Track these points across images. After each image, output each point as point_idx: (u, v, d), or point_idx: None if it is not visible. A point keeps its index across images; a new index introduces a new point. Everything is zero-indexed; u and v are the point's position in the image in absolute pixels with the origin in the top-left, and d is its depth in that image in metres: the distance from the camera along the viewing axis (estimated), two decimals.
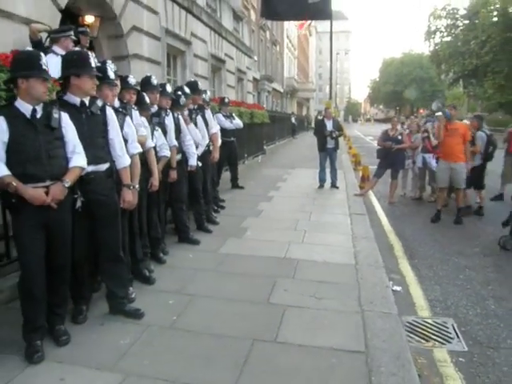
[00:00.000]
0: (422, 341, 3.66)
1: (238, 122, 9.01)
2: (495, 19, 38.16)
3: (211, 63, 13.64)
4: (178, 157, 5.41)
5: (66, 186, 2.94)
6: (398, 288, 4.70)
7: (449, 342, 3.64)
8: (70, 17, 6.69)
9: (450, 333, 3.79)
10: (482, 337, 3.74)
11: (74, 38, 4.92)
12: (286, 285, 4.33)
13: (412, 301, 4.47)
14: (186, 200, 5.74)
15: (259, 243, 5.72)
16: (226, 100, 8.94)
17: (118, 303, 3.60)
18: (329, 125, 9.98)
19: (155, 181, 4.55)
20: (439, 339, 3.68)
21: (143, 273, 4.36)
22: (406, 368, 2.94)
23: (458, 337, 3.72)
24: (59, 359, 2.99)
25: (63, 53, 4.79)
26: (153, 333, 3.37)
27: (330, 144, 9.96)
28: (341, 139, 12.02)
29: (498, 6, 37.64)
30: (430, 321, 4.01)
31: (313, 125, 46.31)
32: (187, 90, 6.04)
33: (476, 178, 8.09)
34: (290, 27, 46.45)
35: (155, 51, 9.23)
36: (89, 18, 6.84)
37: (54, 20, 5.89)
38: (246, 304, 3.90)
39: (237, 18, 17.85)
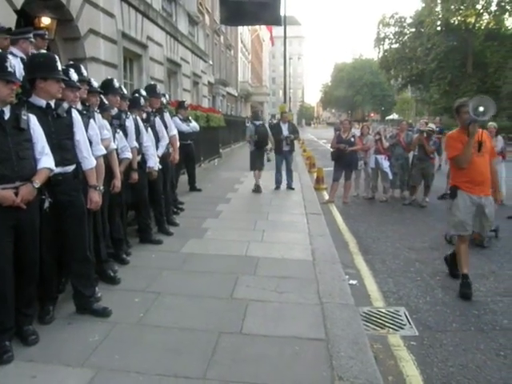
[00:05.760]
0: (377, 328, 3.92)
1: (194, 125, 9.10)
2: (439, 28, 40.14)
3: (167, 67, 13.65)
4: (138, 158, 5.47)
5: (36, 186, 2.99)
6: (354, 281, 4.97)
7: (401, 329, 3.91)
8: (26, 18, 6.59)
9: (403, 320, 4.07)
10: (431, 322, 4.05)
11: (33, 40, 4.89)
12: (247, 281, 4.49)
13: (367, 293, 4.74)
14: (147, 201, 5.80)
15: (220, 243, 5.86)
16: (186, 104, 9.04)
17: (86, 302, 3.65)
18: (284, 128, 10.18)
19: (118, 182, 4.61)
20: (393, 326, 3.96)
21: (108, 273, 4.40)
22: (364, 352, 3.18)
23: (409, 323, 4.00)
24: (29, 358, 3.01)
25: (22, 55, 4.77)
26: (121, 329, 3.44)
27: (286, 147, 10.19)
28: (296, 142, 12.30)
29: (440, 16, 39.58)
30: (383, 310, 4.29)
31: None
32: (144, 92, 6.28)
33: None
34: (244, 32, 46.85)
35: (112, 54, 9.19)
36: (45, 20, 6.76)
37: (9, 21, 5.79)
38: (211, 300, 4.03)
39: (192, 22, 17.91)
